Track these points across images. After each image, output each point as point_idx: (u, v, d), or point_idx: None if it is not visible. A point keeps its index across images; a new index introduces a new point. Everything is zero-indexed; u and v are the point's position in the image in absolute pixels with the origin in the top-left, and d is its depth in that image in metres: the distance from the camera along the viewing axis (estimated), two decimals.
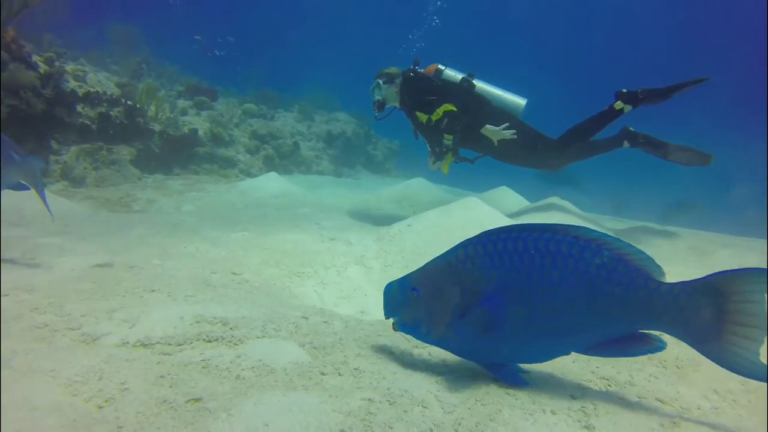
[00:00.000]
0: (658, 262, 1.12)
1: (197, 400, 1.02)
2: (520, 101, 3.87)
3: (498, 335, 1.19)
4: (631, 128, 3.67)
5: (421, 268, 1.33)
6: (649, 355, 1.13)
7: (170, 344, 1.30)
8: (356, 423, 0.97)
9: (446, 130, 3.75)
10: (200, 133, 6.93)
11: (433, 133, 3.86)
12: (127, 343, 1.29)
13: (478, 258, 1.19)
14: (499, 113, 3.80)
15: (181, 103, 7.66)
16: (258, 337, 1.37)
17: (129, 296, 1.69)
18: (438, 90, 3.79)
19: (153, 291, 1.77)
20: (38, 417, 0.91)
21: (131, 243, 2.55)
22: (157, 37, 9.95)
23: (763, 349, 1.02)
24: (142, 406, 0.98)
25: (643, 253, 1.12)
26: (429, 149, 4.06)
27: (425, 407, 1.08)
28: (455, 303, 1.21)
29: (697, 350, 1.10)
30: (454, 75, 3.91)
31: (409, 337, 1.33)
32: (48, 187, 4.90)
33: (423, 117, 3.83)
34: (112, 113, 5.97)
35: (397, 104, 4.04)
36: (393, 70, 4.03)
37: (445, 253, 1.28)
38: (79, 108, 5.72)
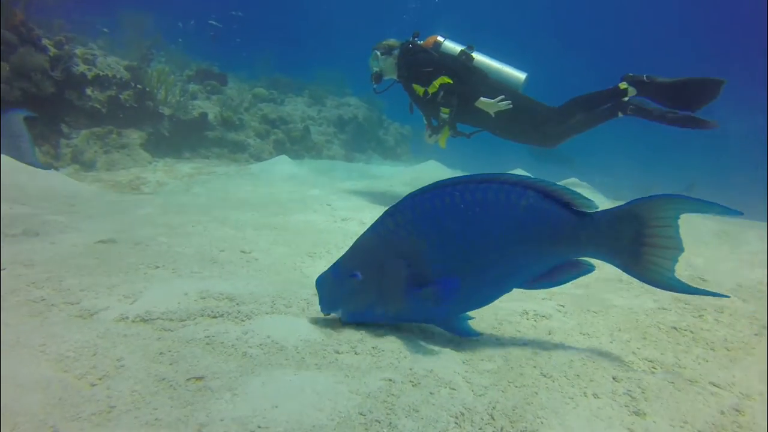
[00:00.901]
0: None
1: (199, 378, 0.91)
2: (520, 75, 3.74)
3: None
4: (624, 98, 3.59)
5: (350, 251, 1.25)
6: (581, 277, 1.20)
7: (172, 320, 1.20)
8: (377, 405, 0.86)
9: (443, 104, 3.65)
10: (210, 117, 6.84)
11: (430, 106, 3.77)
12: (127, 318, 1.20)
13: (409, 224, 1.16)
14: (498, 87, 3.67)
15: (191, 87, 7.57)
16: (267, 313, 1.26)
17: (132, 272, 1.60)
18: (435, 62, 3.68)
19: (157, 267, 1.68)
20: (21, 394, 0.81)
21: (138, 221, 2.47)
22: (168, 22, 9.82)
23: (678, 266, 1.13)
24: (138, 384, 0.88)
25: (568, 188, 1.16)
26: (426, 122, 3.98)
27: (453, 389, 0.96)
28: (402, 274, 1.16)
29: (623, 271, 1.18)
30: (453, 47, 3.80)
31: None
32: (59, 170, 4.85)
33: (419, 89, 3.74)
34: (121, 96, 5.90)
35: (395, 76, 3.95)
36: (391, 41, 3.94)
37: (371, 227, 1.23)
38: (88, 91, 5.66)
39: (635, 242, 1.13)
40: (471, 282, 1.19)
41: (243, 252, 2.16)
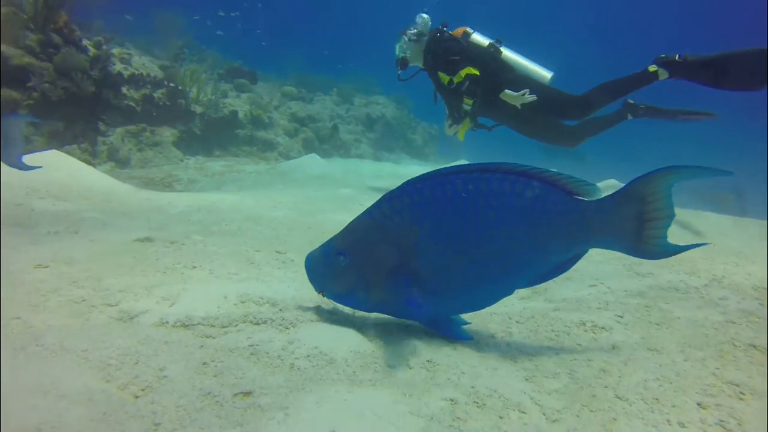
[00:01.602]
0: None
1: (247, 393, 0.85)
2: (546, 73, 3.68)
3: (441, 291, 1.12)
4: (630, 101, 3.56)
5: (343, 230, 1.18)
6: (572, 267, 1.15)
7: (213, 326, 1.15)
8: (443, 431, 0.77)
9: (467, 94, 3.59)
10: (240, 115, 6.89)
11: (454, 95, 3.71)
12: (167, 322, 1.15)
13: (406, 210, 1.10)
14: (523, 82, 3.59)
15: (222, 85, 7.65)
16: (311, 321, 1.19)
17: (169, 272, 1.56)
18: (463, 51, 3.63)
19: (194, 267, 1.64)
20: (66, 407, 0.76)
21: (172, 219, 2.46)
22: (196, 20, 9.96)
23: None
24: (182, 399, 0.82)
25: (573, 176, 1.12)
26: (447, 112, 3.93)
27: (523, 412, 0.87)
28: (389, 263, 1.09)
29: (625, 253, 1.14)
30: (481, 40, 3.75)
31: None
32: (96, 167, 4.95)
33: (445, 78, 3.68)
34: (155, 95, 6.00)
35: (420, 64, 3.89)
36: (420, 28, 3.89)
37: (368, 210, 1.15)
38: (124, 90, 5.78)
39: (637, 221, 1.12)
40: (465, 279, 1.11)
41: (278, 252, 2.11)
